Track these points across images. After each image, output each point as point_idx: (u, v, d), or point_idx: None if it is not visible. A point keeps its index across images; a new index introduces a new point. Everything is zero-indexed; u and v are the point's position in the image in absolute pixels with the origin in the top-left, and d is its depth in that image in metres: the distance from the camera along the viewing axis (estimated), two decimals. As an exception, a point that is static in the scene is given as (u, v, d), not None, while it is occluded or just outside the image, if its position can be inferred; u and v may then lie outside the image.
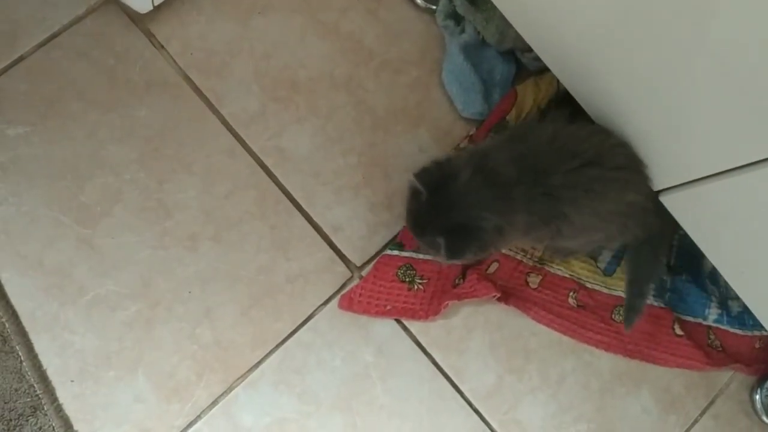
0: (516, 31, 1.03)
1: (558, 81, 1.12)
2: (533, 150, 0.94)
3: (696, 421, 1.16)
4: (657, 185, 1.00)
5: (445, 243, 0.92)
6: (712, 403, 1.17)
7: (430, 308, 1.10)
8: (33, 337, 1.03)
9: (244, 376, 1.07)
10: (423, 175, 0.92)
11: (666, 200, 1.01)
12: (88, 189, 1.07)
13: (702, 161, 0.90)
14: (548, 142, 0.94)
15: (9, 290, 1.03)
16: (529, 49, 1.10)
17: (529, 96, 1.15)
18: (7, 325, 1.00)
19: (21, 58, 1.09)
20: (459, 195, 0.92)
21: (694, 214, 0.99)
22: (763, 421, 1.16)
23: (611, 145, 0.96)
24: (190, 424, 1.04)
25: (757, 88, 0.73)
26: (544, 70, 1.15)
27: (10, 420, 0.98)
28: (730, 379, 1.18)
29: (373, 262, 1.12)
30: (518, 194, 0.92)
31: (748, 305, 1.06)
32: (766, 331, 1.15)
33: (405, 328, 1.10)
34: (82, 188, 1.07)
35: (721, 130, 0.84)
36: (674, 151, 0.93)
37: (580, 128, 0.96)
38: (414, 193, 0.94)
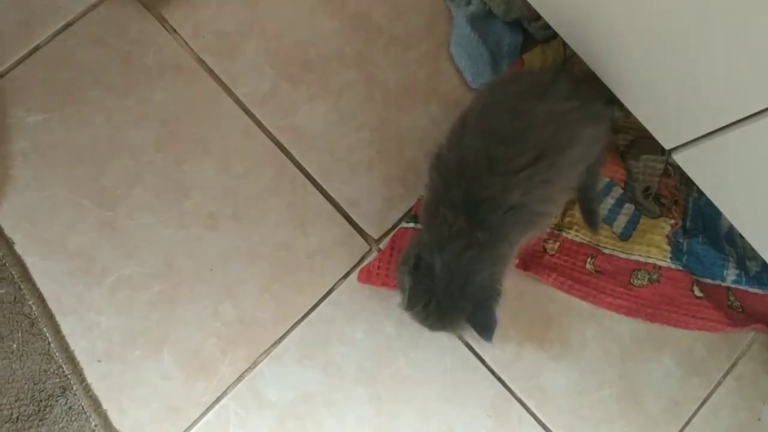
0: (522, 1, 1.05)
1: (564, 48, 1.13)
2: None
3: (719, 383, 1.16)
4: (669, 144, 1.01)
5: (478, 329, 0.95)
6: (734, 364, 1.17)
7: (447, 278, 1.10)
8: (59, 319, 1.04)
9: (267, 352, 1.08)
10: (407, 294, 0.94)
11: (679, 158, 1.01)
12: (107, 172, 1.09)
13: (711, 114, 0.91)
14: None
15: (34, 274, 1.04)
16: (536, 18, 1.11)
17: (536, 64, 1.16)
18: (34, 308, 1.02)
19: (37, 48, 1.11)
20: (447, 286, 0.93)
21: (709, 170, 1.00)
22: (786, 381, 1.16)
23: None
24: (217, 400, 1.05)
25: (759, 35, 0.73)
26: (550, 38, 1.16)
27: (41, 401, 1.00)
28: (752, 340, 1.18)
29: (390, 235, 1.12)
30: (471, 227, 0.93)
31: (767, 260, 1.06)
32: (785, 289, 1.15)
33: (425, 299, 1.11)
34: (102, 172, 1.09)
35: (728, 81, 0.84)
36: (683, 108, 0.93)
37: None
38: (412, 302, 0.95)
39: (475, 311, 0.94)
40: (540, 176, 0.91)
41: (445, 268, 0.91)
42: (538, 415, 1.11)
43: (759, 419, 1.14)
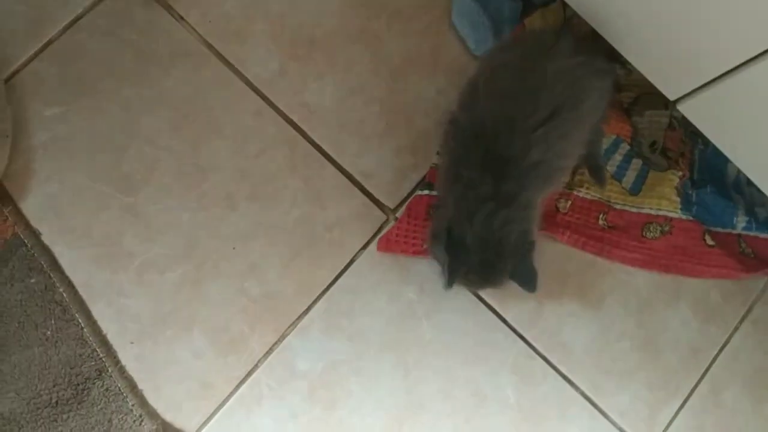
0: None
1: (564, 9, 1.15)
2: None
3: (736, 329, 1.19)
4: (673, 95, 1.03)
5: (521, 283, 1.01)
6: (750, 309, 1.19)
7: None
8: (90, 305, 1.07)
9: (294, 324, 1.10)
10: (446, 267, 0.98)
11: (684, 109, 1.03)
12: (126, 159, 1.11)
13: (713, 61, 0.93)
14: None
15: (63, 263, 1.07)
16: (535, -18, 1.13)
17: (537, 28, 1.19)
18: (65, 296, 1.05)
19: (49, 42, 1.13)
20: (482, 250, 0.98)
21: (714, 117, 1.02)
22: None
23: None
24: (249, 374, 1.08)
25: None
26: (549, 1, 1.18)
27: (78, 384, 1.03)
28: (766, 284, 1.21)
29: (405, 204, 1.15)
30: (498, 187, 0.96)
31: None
32: (795, 232, 1.17)
33: (444, 264, 1.13)
34: (121, 159, 1.11)
35: (728, 26, 0.86)
36: (685, 57, 0.95)
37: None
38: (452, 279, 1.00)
39: (515, 268, 0.98)
40: (557, 131, 0.94)
41: (476, 239, 0.95)
42: (562, 369, 1.14)
43: (778, 360, 1.17)
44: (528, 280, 1.00)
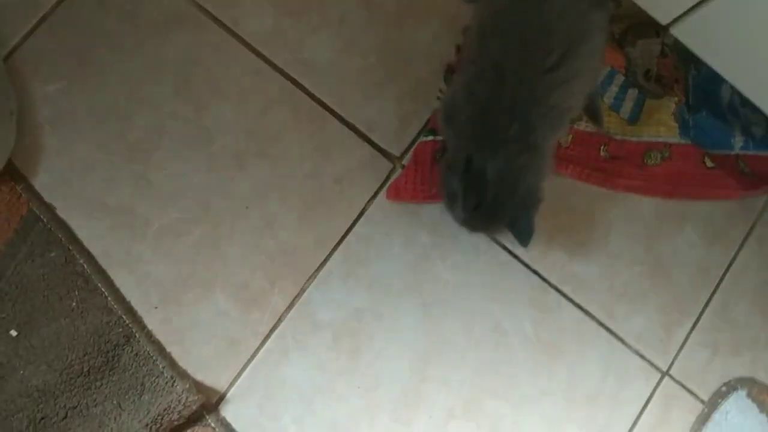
0: None
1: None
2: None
3: (741, 247, 1.22)
4: (665, 19, 1.04)
5: (516, 234, 1.01)
6: (753, 227, 1.22)
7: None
8: (111, 274, 1.08)
9: (313, 277, 1.12)
10: (456, 200, 0.98)
11: (677, 32, 1.05)
12: (132, 128, 1.12)
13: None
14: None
15: (80, 234, 1.08)
16: None
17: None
18: (86, 266, 1.06)
19: (44, 18, 1.13)
20: (496, 190, 0.97)
21: (707, 38, 1.03)
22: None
23: None
24: (273, 329, 1.10)
25: None
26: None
27: (107, 351, 1.04)
28: (766, 202, 1.23)
29: (411, 151, 1.16)
30: (520, 131, 0.97)
31: (770, 115, 1.10)
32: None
33: (453, 206, 1.15)
34: (127, 128, 1.12)
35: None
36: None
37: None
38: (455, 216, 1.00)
39: (517, 217, 0.99)
40: (572, 71, 0.95)
41: (497, 173, 0.95)
42: (576, 299, 1.16)
43: (785, 275, 1.20)
44: (525, 234, 1.01)
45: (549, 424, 1.11)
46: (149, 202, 1.11)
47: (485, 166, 0.95)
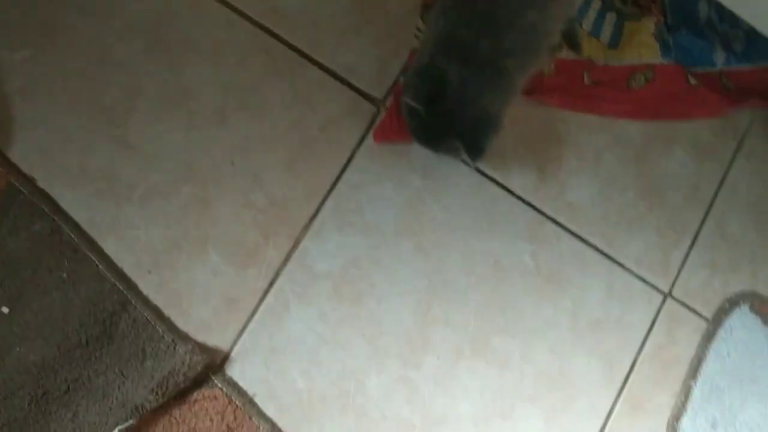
0: None
1: None
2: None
3: (731, 163, 1.21)
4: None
5: (465, 145, 0.98)
6: (741, 144, 1.22)
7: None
8: (100, 242, 1.05)
9: (306, 227, 1.10)
10: (413, 92, 0.96)
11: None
12: (107, 91, 1.09)
13: None
14: None
15: (64, 204, 1.05)
16: None
17: None
18: (72, 236, 1.03)
19: (5, -15, 1.09)
20: (454, 95, 0.95)
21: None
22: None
23: None
24: (271, 284, 1.08)
25: None
26: None
27: (104, 320, 1.02)
28: (751, 117, 1.24)
29: (393, 91, 1.14)
30: (489, 49, 0.95)
31: (756, 26, 1.09)
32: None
33: (442, 144, 1.13)
34: (102, 92, 1.09)
35: None
36: None
37: None
38: (411, 111, 0.99)
39: (472, 129, 0.97)
40: None
41: (458, 78, 0.94)
42: (572, 228, 1.15)
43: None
44: (476, 149, 1.00)
45: (557, 355, 1.10)
46: (131, 165, 1.08)
47: (447, 68, 0.93)
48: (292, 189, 1.10)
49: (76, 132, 1.07)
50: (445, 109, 0.96)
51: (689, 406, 1.12)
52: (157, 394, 0.98)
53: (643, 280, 1.15)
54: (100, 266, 1.03)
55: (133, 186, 1.07)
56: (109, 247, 1.05)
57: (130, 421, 0.97)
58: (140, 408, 0.97)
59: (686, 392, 1.12)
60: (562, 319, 1.12)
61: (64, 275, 1.02)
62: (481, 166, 1.15)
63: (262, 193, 1.10)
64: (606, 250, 1.15)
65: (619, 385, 1.10)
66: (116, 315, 1.02)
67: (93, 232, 1.05)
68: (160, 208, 1.07)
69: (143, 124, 1.09)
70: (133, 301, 1.03)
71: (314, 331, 1.07)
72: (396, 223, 1.12)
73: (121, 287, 1.03)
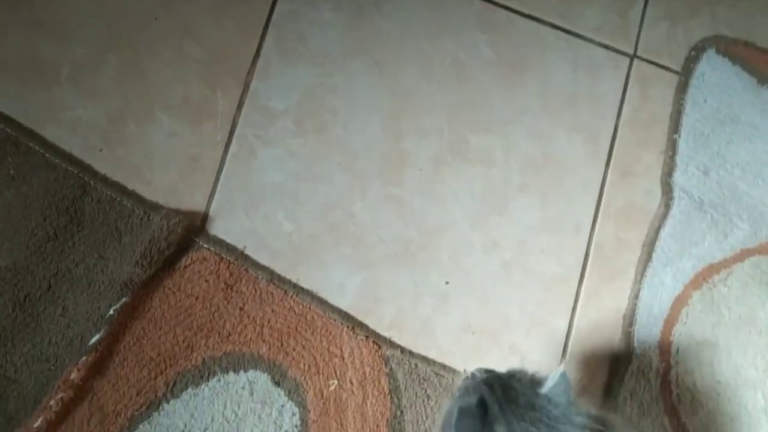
0: None
1: None
2: None
3: None
4: None
5: None
6: None
7: None
8: (40, 131, 0.99)
9: (252, 69, 1.05)
10: None
11: None
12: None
13: None
14: None
15: (-12, 100, 0.97)
16: None
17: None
18: (9, 131, 0.97)
19: None
20: None
21: None
22: None
23: None
24: (231, 133, 1.03)
25: None
26: None
27: (67, 208, 0.96)
28: None
29: None
30: None
31: None
32: None
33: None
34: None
35: None
36: None
37: None
38: None
39: None
40: None
41: None
42: (524, 11, 1.13)
43: None
44: None
45: (538, 139, 1.08)
46: (50, 45, 1.01)
47: None
48: (226, 33, 1.04)
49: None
50: None
51: (678, 160, 1.10)
52: (142, 265, 0.93)
53: (606, 47, 1.11)
54: (46, 155, 0.97)
55: (58, 66, 1.00)
56: (51, 134, 0.99)
57: (123, 299, 0.93)
58: (129, 283, 0.93)
59: (672, 147, 1.10)
60: (534, 102, 1.08)
61: (12, 172, 0.96)
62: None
63: (196, 44, 1.03)
64: (562, 24, 1.11)
65: (605, 155, 1.08)
66: (78, 200, 0.96)
67: (30, 123, 0.99)
68: (93, 83, 1.01)
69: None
70: (92, 183, 0.97)
71: (287, 170, 1.02)
72: (342, 45, 1.06)
73: (75, 171, 0.97)
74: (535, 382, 0.73)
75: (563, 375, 0.71)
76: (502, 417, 0.69)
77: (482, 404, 0.70)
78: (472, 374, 0.77)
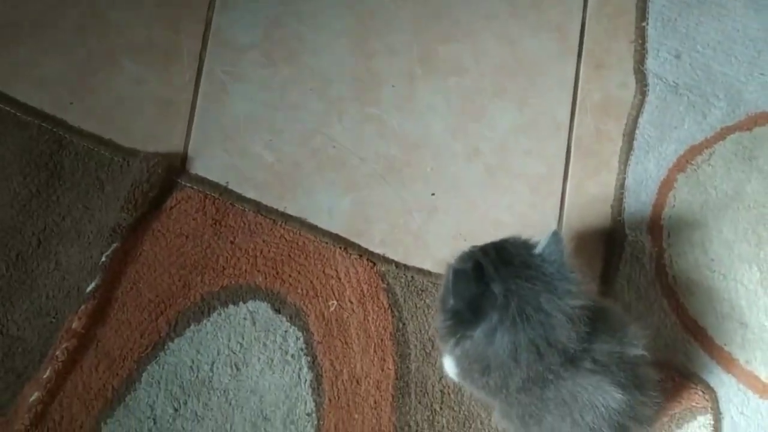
0: None
1: None
2: None
3: None
4: None
5: None
6: None
7: None
8: (7, 91, 1.00)
9: (212, 4, 1.07)
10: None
11: None
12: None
13: None
14: None
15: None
16: None
17: None
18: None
19: None
20: None
21: None
22: None
23: None
24: (199, 72, 1.04)
25: None
26: None
27: (46, 163, 0.97)
28: None
29: None
30: None
31: None
32: None
33: None
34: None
35: None
36: None
37: None
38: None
39: None
40: None
41: None
42: None
43: None
44: None
45: (507, 42, 1.08)
46: (5, 3, 1.00)
47: None
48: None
49: None
50: None
51: (648, 47, 1.10)
52: (128, 210, 0.94)
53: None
54: (18, 114, 0.97)
55: (16, 24, 1.00)
56: (19, 93, 0.99)
57: (114, 245, 0.93)
58: (118, 228, 0.93)
59: (641, 35, 1.10)
60: (500, 6, 1.08)
61: (-23, 138, 0.94)
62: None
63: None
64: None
65: (575, 51, 1.08)
66: (56, 155, 0.97)
67: (-5, 85, 0.97)
68: (54, 37, 1.00)
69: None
70: (67, 136, 0.97)
71: (261, 102, 1.02)
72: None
73: (48, 127, 0.97)
74: (528, 244, 0.74)
75: (555, 234, 0.73)
76: (497, 277, 0.70)
77: (477, 267, 0.71)
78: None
